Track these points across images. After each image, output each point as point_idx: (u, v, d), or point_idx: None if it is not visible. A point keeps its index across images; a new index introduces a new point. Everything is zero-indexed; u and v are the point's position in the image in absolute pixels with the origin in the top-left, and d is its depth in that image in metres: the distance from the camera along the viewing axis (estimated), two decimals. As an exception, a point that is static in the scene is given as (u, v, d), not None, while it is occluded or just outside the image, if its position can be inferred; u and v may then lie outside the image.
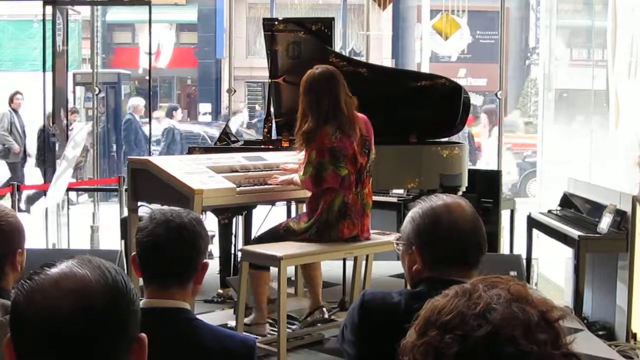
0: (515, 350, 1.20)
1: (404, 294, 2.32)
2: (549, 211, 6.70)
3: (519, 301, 1.26)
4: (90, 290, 1.36)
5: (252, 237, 6.28)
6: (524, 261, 6.56)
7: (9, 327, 1.39)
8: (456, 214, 2.33)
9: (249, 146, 6.68)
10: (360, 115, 4.96)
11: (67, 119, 9.21)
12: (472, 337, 1.21)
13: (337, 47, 10.82)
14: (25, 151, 13.07)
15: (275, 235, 5.00)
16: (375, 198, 5.19)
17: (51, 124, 8.78)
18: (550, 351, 1.22)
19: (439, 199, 2.37)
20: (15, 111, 13.02)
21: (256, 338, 4.33)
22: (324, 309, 5.30)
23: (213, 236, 6.08)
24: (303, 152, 4.93)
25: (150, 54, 9.50)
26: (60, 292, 1.34)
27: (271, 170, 5.46)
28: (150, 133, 9.65)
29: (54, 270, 1.38)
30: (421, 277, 2.33)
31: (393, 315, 2.21)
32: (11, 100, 13.04)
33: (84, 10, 11.20)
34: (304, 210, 5.21)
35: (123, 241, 6.79)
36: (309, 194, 5.03)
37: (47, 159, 8.98)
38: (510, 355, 1.20)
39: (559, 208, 6.69)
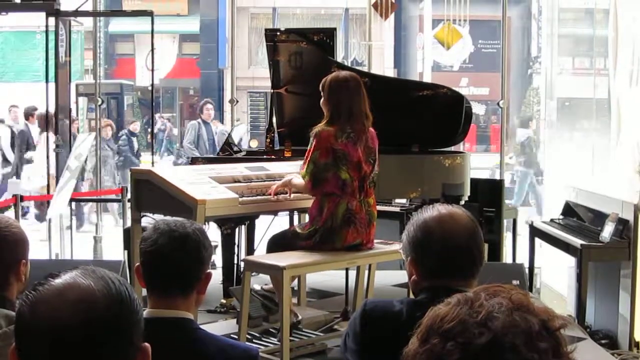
0: (517, 358, 1.21)
1: (405, 303, 2.32)
2: (551, 220, 6.70)
3: (520, 310, 1.27)
4: (94, 300, 1.37)
5: (255, 247, 6.31)
6: (527, 270, 6.56)
7: (13, 337, 1.40)
8: (448, 227, 2.31)
9: (252, 156, 6.68)
10: (370, 129, 4.98)
11: (70, 130, 9.23)
12: (473, 344, 1.22)
13: (339, 57, 10.86)
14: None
15: (283, 238, 5.02)
16: (377, 207, 5.20)
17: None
18: None
19: (434, 210, 2.36)
20: (205, 122, 12.53)
21: (259, 347, 4.34)
22: None
23: (216, 246, 6.08)
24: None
25: (153, 64, 9.52)
26: (65, 302, 1.35)
27: (274, 180, 5.46)
28: (152, 143, 9.67)
29: (58, 281, 1.39)
30: (420, 287, 2.34)
31: (395, 324, 2.22)
32: (201, 111, 12.60)
33: (87, 22, 11.24)
34: (307, 219, 5.21)
35: (126, 251, 6.80)
36: (310, 203, 5.03)
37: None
38: None
39: (561, 217, 6.69)
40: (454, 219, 2.33)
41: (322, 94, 4.95)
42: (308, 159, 4.85)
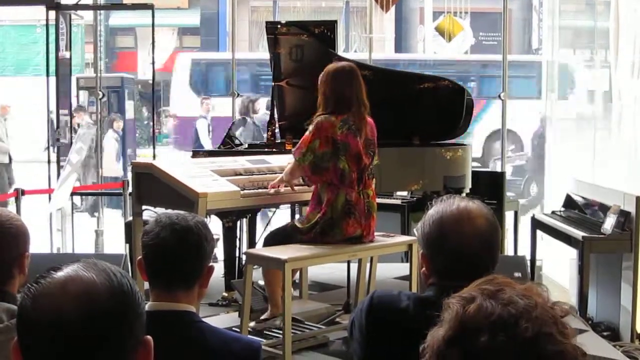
0: (556, 348, 1.24)
1: (412, 299, 2.30)
2: (553, 212, 6.70)
3: (539, 301, 1.30)
4: (96, 293, 1.36)
5: (257, 239, 6.31)
6: (529, 262, 6.56)
7: (15, 331, 1.39)
8: (465, 227, 2.24)
9: (253, 149, 6.68)
10: (368, 119, 4.97)
11: (70, 124, 9.22)
12: (520, 338, 1.24)
13: (340, 49, 10.84)
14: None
15: (282, 234, 5.02)
16: (379, 200, 5.19)
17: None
18: (573, 344, 1.26)
19: (453, 206, 2.27)
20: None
21: (261, 340, 4.34)
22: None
23: (217, 239, 6.08)
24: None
25: (153, 57, 9.51)
26: (67, 295, 1.35)
27: (275, 173, 5.45)
28: (154, 136, 9.66)
29: (60, 274, 1.39)
30: (428, 281, 2.32)
31: (400, 319, 2.21)
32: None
33: (87, 15, 11.22)
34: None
35: (128, 245, 6.80)
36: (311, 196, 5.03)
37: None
38: (554, 353, 1.23)
39: (562, 209, 6.68)
40: (471, 221, 2.25)
41: (319, 85, 4.98)
42: (305, 146, 4.84)
